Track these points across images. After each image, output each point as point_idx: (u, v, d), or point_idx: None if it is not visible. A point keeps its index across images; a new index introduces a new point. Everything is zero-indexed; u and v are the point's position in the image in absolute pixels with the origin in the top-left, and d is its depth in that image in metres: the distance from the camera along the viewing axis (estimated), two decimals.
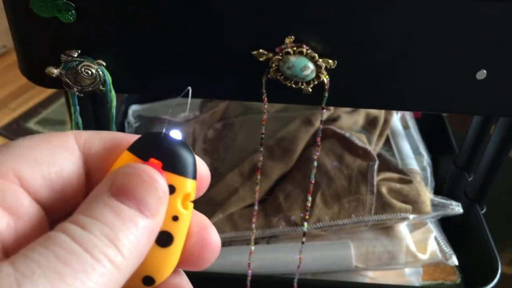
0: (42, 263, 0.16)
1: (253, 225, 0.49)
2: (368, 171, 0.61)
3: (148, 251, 0.19)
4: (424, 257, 0.58)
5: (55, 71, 0.39)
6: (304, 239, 0.48)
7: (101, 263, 0.17)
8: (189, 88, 0.24)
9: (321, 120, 0.43)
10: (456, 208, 0.61)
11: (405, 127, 0.76)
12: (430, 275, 0.62)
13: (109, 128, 0.44)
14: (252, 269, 0.50)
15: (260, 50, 0.38)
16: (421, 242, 0.60)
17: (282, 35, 0.38)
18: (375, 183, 0.60)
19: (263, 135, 0.44)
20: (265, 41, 0.38)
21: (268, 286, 0.57)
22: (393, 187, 0.61)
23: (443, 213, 0.60)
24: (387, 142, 0.71)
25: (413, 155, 0.70)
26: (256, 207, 0.48)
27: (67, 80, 0.40)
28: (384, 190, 0.60)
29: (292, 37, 0.38)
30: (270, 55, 0.38)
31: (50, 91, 1.38)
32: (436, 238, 0.60)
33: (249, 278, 0.50)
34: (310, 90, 0.40)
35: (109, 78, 0.40)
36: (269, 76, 0.39)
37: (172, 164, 0.20)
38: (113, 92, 0.41)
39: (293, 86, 0.40)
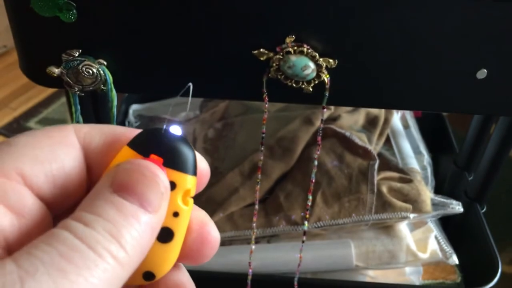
0: (45, 260, 0.16)
1: (254, 225, 0.49)
2: (368, 170, 0.61)
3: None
4: (424, 256, 0.58)
5: (56, 71, 0.39)
6: (304, 238, 0.48)
7: (104, 259, 0.17)
8: (190, 84, 0.24)
9: (322, 120, 0.43)
10: (457, 207, 0.61)
11: (406, 126, 0.76)
12: (430, 274, 0.62)
13: None
14: (253, 268, 0.50)
15: (261, 50, 0.39)
16: (422, 241, 0.60)
17: (283, 35, 0.38)
18: (375, 182, 0.60)
19: (263, 135, 0.44)
20: (266, 40, 0.38)
21: (268, 285, 0.57)
22: (393, 186, 0.61)
23: (443, 212, 0.60)
24: (388, 141, 0.71)
25: (413, 154, 0.70)
26: (256, 207, 0.48)
27: (68, 79, 0.40)
28: (384, 189, 0.60)
29: (293, 36, 0.38)
30: (271, 54, 0.38)
31: (50, 91, 1.38)
32: (436, 237, 0.60)
33: (249, 277, 0.51)
34: (311, 89, 0.40)
35: (110, 78, 0.40)
36: (269, 75, 0.39)
37: (173, 160, 0.20)
38: (114, 91, 0.41)
39: (294, 85, 0.40)
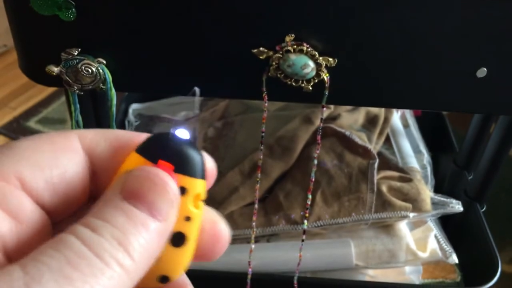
0: (52, 266, 0.16)
1: (254, 224, 0.49)
2: (368, 170, 0.61)
3: (162, 251, 0.19)
4: (424, 255, 0.58)
5: (56, 70, 0.39)
6: (304, 237, 0.48)
7: (110, 267, 0.17)
8: (196, 88, 0.24)
9: (321, 119, 0.43)
10: (456, 206, 0.61)
11: (405, 125, 0.76)
12: (430, 273, 0.62)
13: (109, 126, 0.44)
14: (253, 267, 0.50)
15: (261, 48, 0.38)
16: (421, 240, 0.60)
17: (283, 33, 0.38)
18: (375, 181, 0.60)
19: (263, 134, 0.44)
20: (265, 39, 0.38)
21: (268, 284, 0.57)
22: (393, 185, 0.61)
23: (443, 211, 0.60)
24: (387, 140, 0.71)
25: (413, 153, 0.70)
26: (256, 206, 0.48)
27: (68, 78, 0.40)
28: (384, 188, 0.60)
29: (293, 35, 0.38)
30: (271, 53, 0.38)
31: (50, 90, 1.38)
32: (436, 236, 0.60)
33: (249, 276, 0.51)
34: (310, 88, 0.40)
35: (109, 77, 0.40)
36: (269, 74, 0.39)
37: (182, 165, 0.20)
38: (113, 90, 0.41)
39: (293, 84, 0.40)
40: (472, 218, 0.63)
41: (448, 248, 0.59)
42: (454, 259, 0.58)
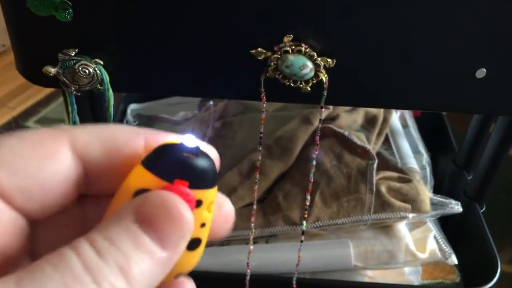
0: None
1: (252, 224, 0.49)
2: (367, 170, 0.61)
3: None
4: (423, 256, 0.58)
5: (52, 70, 0.39)
6: (303, 238, 0.48)
7: None
8: (211, 102, 0.24)
9: (320, 119, 0.43)
10: (456, 207, 0.60)
11: (404, 126, 0.76)
12: (429, 274, 0.62)
13: None
14: (251, 268, 0.50)
15: (259, 49, 0.38)
16: (421, 241, 0.59)
17: (281, 34, 0.38)
18: (374, 182, 0.60)
19: (261, 134, 0.44)
20: (264, 39, 0.38)
21: (267, 285, 0.57)
22: (392, 186, 0.60)
23: (442, 212, 0.60)
24: (386, 141, 0.71)
25: (412, 154, 0.70)
26: (255, 206, 0.48)
27: (65, 79, 0.40)
28: (383, 189, 0.59)
29: (291, 35, 0.37)
30: (269, 53, 0.38)
31: (49, 90, 1.37)
32: (435, 237, 0.60)
33: (248, 277, 0.50)
34: (309, 89, 0.40)
35: (106, 77, 0.40)
36: (267, 75, 0.39)
37: (197, 180, 0.19)
38: (110, 91, 0.40)
39: (292, 85, 0.39)
40: (472, 219, 0.63)
41: (447, 248, 0.59)
42: (454, 259, 0.58)
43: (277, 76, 0.39)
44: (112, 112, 0.42)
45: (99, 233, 0.18)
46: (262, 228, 0.59)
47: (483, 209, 0.64)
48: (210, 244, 0.63)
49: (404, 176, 0.62)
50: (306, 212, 0.49)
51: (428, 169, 0.69)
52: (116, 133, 0.21)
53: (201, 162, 0.20)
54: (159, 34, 0.39)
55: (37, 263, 0.16)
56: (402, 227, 0.59)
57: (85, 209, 0.22)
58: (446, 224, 0.65)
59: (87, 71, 0.39)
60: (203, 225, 0.20)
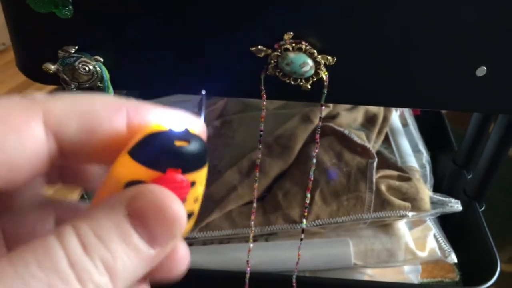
0: (31, 286, 0.15)
1: (252, 223, 0.49)
2: (367, 169, 0.61)
3: None
4: (423, 254, 0.58)
5: (52, 68, 0.39)
6: (302, 237, 0.48)
7: None
8: (203, 92, 0.23)
9: (320, 117, 0.43)
10: (455, 205, 0.60)
11: (404, 124, 0.76)
12: (429, 273, 0.62)
13: None
14: (251, 267, 0.50)
15: (259, 46, 0.38)
16: (420, 239, 0.59)
17: (281, 31, 0.38)
18: (374, 180, 0.60)
19: (261, 133, 0.44)
20: (264, 37, 0.38)
21: (266, 283, 0.57)
22: (392, 184, 0.60)
23: (442, 210, 0.60)
24: (386, 139, 0.71)
25: (412, 152, 0.70)
26: (254, 205, 0.48)
27: (65, 76, 0.39)
28: (383, 187, 0.59)
29: (291, 33, 0.37)
30: (269, 51, 0.38)
31: (49, 88, 1.37)
32: (435, 236, 0.60)
33: (247, 276, 0.50)
34: (309, 86, 0.40)
35: (106, 75, 0.40)
36: (267, 72, 0.39)
37: (190, 164, 0.19)
38: (110, 88, 0.40)
39: (292, 82, 0.39)
40: (471, 218, 0.63)
41: (447, 247, 0.59)
42: (453, 258, 0.58)
43: (277, 74, 0.39)
44: None
45: (87, 223, 0.17)
46: (262, 226, 0.59)
47: (483, 208, 0.64)
48: (210, 242, 0.63)
49: (404, 174, 0.62)
50: (306, 210, 0.49)
51: (428, 168, 0.69)
52: (96, 107, 0.19)
53: (193, 148, 0.19)
54: (159, 31, 0.39)
55: (21, 253, 0.16)
56: (401, 226, 0.59)
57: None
58: (446, 223, 0.65)
59: (87, 68, 0.39)
60: (196, 200, 0.20)
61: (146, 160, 0.18)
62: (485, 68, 0.39)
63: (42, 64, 0.39)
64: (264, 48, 0.38)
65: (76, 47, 0.39)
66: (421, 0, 0.36)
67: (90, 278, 0.16)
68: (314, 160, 0.44)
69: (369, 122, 0.69)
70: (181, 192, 0.19)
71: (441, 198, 0.61)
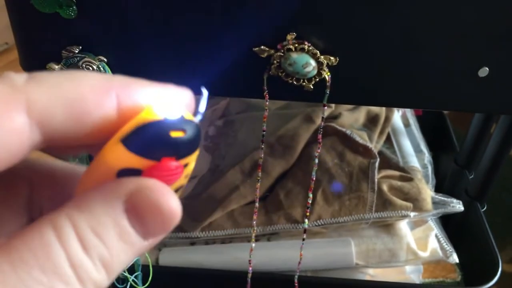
0: (28, 285, 0.15)
1: (254, 222, 0.49)
2: (369, 169, 0.61)
3: None
4: (424, 254, 0.58)
5: (56, 67, 0.39)
6: (304, 236, 0.48)
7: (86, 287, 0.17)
8: (205, 90, 0.22)
9: (322, 117, 0.43)
10: (457, 206, 0.61)
11: (406, 124, 0.76)
12: (430, 273, 0.62)
13: None
14: (253, 266, 0.50)
15: (262, 47, 0.38)
16: (422, 239, 0.60)
17: (284, 32, 0.38)
18: (376, 180, 0.60)
19: (264, 133, 0.44)
20: (267, 37, 0.38)
21: (268, 283, 0.57)
22: (394, 184, 0.61)
23: (443, 211, 0.60)
24: (388, 139, 0.71)
25: (414, 152, 0.70)
26: (257, 204, 0.48)
27: None
28: (385, 187, 0.60)
29: (294, 33, 0.38)
30: (272, 51, 0.38)
31: None
32: (436, 236, 0.60)
33: (249, 275, 0.51)
34: (312, 87, 0.40)
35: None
36: (270, 73, 0.39)
37: (184, 152, 0.19)
38: None
39: (295, 83, 0.39)
40: (473, 218, 0.63)
41: (448, 247, 0.59)
42: (455, 258, 0.58)
43: (280, 74, 0.39)
44: None
45: (85, 217, 0.17)
46: (264, 226, 0.59)
47: (484, 208, 0.65)
48: (212, 241, 0.63)
49: (406, 175, 0.63)
50: (308, 210, 0.49)
51: (429, 168, 0.69)
52: (83, 92, 0.18)
53: (189, 137, 0.18)
54: (162, 32, 0.39)
55: (17, 247, 0.16)
56: (403, 226, 0.59)
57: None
58: (447, 223, 0.66)
59: (90, 68, 0.39)
60: (187, 176, 0.20)
61: (140, 151, 0.18)
62: (487, 68, 0.39)
63: (46, 64, 0.40)
64: (267, 49, 0.38)
65: (80, 47, 0.39)
66: (423, 1, 0.36)
67: (89, 276, 0.16)
68: (316, 160, 0.45)
69: (371, 122, 0.69)
70: (175, 177, 0.19)
71: (442, 198, 0.61)
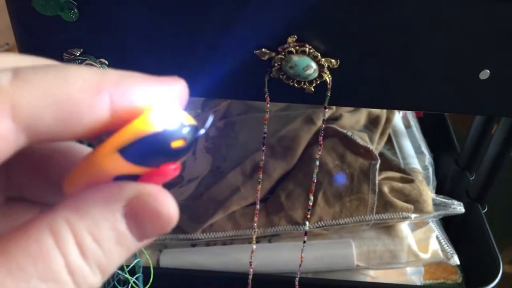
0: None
1: (255, 224, 0.49)
2: (370, 170, 0.61)
3: None
4: (425, 256, 0.58)
5: None
6: (305, 238, 0.48)
7: None
8: (211, 116, 0.22)
9: (323, 120, 0.43)
10: (458, 207, 0.61)
11: (407, 126, 0.76)
12: (431, 274, 0.62)
13: None
14: (254, 268, 0.50)
15: (263, 49, 0.38)
16: (423, 241, 0.60)
17: (285, 34, 0.38)
18: (377, 182, 0.60)
19: (265, 135, 0.44)
20: (268, 40, 0.38)
21: (269, 284, 0.57)
22: (395, 186, 0.61)
23: (444, 212, 0.60)
24: (389, 141, 0.71)
25: (415, 154, 0.70)
26: (257, 206, 0.48)
27: None
28: (386, 189, 0.60)
29: (295, 36, 0.38)
30: (273, 54, 0.38)
31: None
32: (437, 238, 0.60)
33: (250, 277, 0.51)
34: (313, 89, 0.40)
35: None
36: (271, 75, 0.39)
37: (184, 154, 0.18)
38: None
39: (296, 85, 0.40)
40: (474, 219, 0.63)
41: (449, 249, 0.59)
42: (456, 260, 0.58)
43: (281, 77, 0.39)
44: None
45: (84, 222, 0.17)
46: (265, 228, 0.59)
47: (485, 209, 0.65)
48: (213, 243, 0.63)
49: (407, 176, 0.63)
50: (309, 212, 0.49)
51: (430, 170, 0.69)
52: (73, 93, 0.16)
53: (189, 143, 0.18)
54: (164, 34, 0.39)
55: (14, 253, 0.16)
56: (404, 227, 0.59)
57: None
58: (448, 224, 0.66)
59: None
60: None
61: (140, 161, 0.18)
62: (488, 71, 0.39)
63: None
64: (268, 51, 0.38)
65: (81, 49, 0.39)
66: (424, 4, 0.36)
67: (86, 281, 0.17)
68: (317, 162, 0.45)
69: (372, 123, 0.69)
70: (172, 176, 0.19)
71: (443, 200, 0.61)
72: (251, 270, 0.50)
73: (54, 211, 0.17)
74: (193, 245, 0.61)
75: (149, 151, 0.18)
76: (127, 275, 0.52)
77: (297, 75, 0.39)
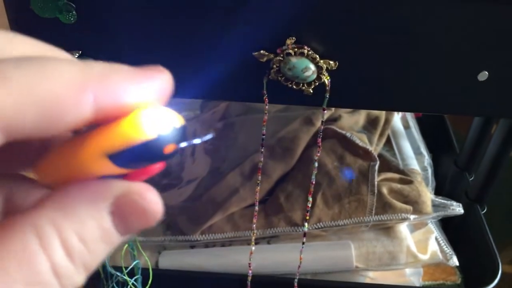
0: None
1: (254, 225, 0.49)
2: (369, 171, 0.61)
3: None
4: (424, 257, 0.58)
5: None
6: (304, 239, 0.48)
7: None
8: (211, 134, 0.22)
9: (322, 121, 0.43)
10: (457, 208, 0.61)
11: (406, 127, 0.76)
12: (430, 276, 0.62)
13: None
14: (253, 269, 0.50)
15: (261, 51, 0.38)
16: (422, 242, 0.60)
17: (283, 36, 0.38)
18: (376, 183, 0.60)
19: (264, 136, 0.44)
20: (266, 42, 0.38)
21: (268, 286, 0.57)
22: (394, 187, 0.61)
23: (443, 213, 0.60)
24: (388, 142, 0.71)
25: (414, 155, 0.70)
26: (256, 207, 0.48)
27: None
28: (385, 190, 0.60)
29: (293, 38, 0.38)
30: (271, 56, 0.38)
31: None
32: (436, 239, 0.60)
33: (249, 278, 0.51)
34: (311, 91, 0.40)
35: None
36: (270, 77, 0.39)
37: (174, 154, 0.19)
38: None
39: (294, 87, 0.40)
40: (473, 220, 0.63)
41: (448, 250, 0.59)
42: (455, 261, 0.58)
43: (279, 79, 0.39)
44: None
45: (70, 223, 0.17)
46: (264, 229, 0.59)
47: (484, 210, 0.65)
48: (212, 244, 0.63)
49: (406, 177, 0.63)
50: (308, 213, 0.49)
51: (429, 171, 0.69)
52: (57, 89, 0.16)
53: (181, 146, 0.18)
54: (162, 36, 0.39)
55: (2, 262, 0.15)
56: (403, 229, 0.59)
57: None
58: (447, 225, 0.66)
59: None
60: None
61: (130, 166, 0.18)
62: (486, 72, 0.39)
63: None
64: (267, 53, 0.38)
65: (80, 51, 0.39)
66: (423, 6, 0.36)
67: (71, 282, 0.16)
68: (316, 164, 0.45)
69: (371, 124, 0.69)
70: (158, 171, 0.19)
71: (442, 201, 0.61)
72: (250, 271, 0.50)
73: (38, 210, 0.17)
74: (192, 247, 0.61)
75: (141, 158, 0.17)
76: (126, 277, 0.52)
77: (295, 77, 0.39)
